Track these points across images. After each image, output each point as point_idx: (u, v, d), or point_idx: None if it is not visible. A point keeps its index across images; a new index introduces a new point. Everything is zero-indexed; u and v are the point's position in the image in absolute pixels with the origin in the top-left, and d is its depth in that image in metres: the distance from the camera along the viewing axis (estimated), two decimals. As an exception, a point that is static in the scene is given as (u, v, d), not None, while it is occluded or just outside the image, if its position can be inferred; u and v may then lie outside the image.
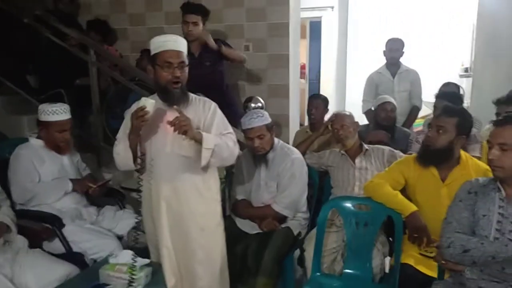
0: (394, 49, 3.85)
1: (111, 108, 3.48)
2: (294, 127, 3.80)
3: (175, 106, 1.95)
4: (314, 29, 6.70)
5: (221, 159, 2.02)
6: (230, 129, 2.12)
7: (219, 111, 2.11)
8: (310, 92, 6.60)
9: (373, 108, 3.47)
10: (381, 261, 2.29)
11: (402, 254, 2.13)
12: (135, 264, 1.98)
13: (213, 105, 2.11)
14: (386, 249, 2.38)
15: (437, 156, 2.15)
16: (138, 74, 3.30)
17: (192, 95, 2.11)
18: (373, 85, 3.92)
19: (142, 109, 1.87)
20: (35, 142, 2.61)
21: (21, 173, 2.49)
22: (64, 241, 2.41)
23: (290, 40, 3.64)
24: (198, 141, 1.93)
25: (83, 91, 3.42)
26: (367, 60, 4.83)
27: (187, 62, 1.99)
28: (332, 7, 6.18)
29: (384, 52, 3.91)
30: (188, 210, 2.07)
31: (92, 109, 3.48)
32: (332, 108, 3.95)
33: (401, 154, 2.62)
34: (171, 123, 1.88)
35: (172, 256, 2.09)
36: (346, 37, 6.14)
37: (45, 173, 2.56)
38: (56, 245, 2.42)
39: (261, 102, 3.41)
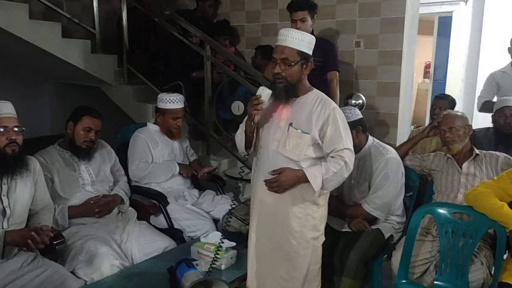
0: None
1: (221, 99, 3.69)
2: (403, 128, 3.60)
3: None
4: (443, 25, 6.24)
5: (332, 186, 1.95)
6: (345, 141, 1.91)
7: (336, 117, 1.91)
8: (434, 92, 6.17)
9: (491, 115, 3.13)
10: (484, 275, 2.06)
11: (505, 273, 1.93)
12: (221, 245, 2.12)
13: (331, 110, 1.92)
14: (491, 263, 2.13)
15: None
16: (248, 68, 3.44)
17: (314, 93, 1.98)
18: (493, 84, 3.56)
19: (257, 98, 1.89)
20: (152, 127, 2.93)
21: (137, 154, 2.81)
22: (167, 217, 2.67)
23: (404, 36, 3.45)
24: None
25: (198, 83, 3.70)
26: (503, 59, 4.31)
27: (296, 59, 1.87)
28: (466, 1, 5.66)
29: (509, 49, 3.47)
30: (284, 210, 1.99)
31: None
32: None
33: (520, 162, 2.33)
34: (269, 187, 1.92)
35: (252, 246, 2.09)
36: (480, 33, 5.57)
37: (157, 155, 2.86)
38: (161, 220, 2.70)
39: (362, 99, 3.29)
